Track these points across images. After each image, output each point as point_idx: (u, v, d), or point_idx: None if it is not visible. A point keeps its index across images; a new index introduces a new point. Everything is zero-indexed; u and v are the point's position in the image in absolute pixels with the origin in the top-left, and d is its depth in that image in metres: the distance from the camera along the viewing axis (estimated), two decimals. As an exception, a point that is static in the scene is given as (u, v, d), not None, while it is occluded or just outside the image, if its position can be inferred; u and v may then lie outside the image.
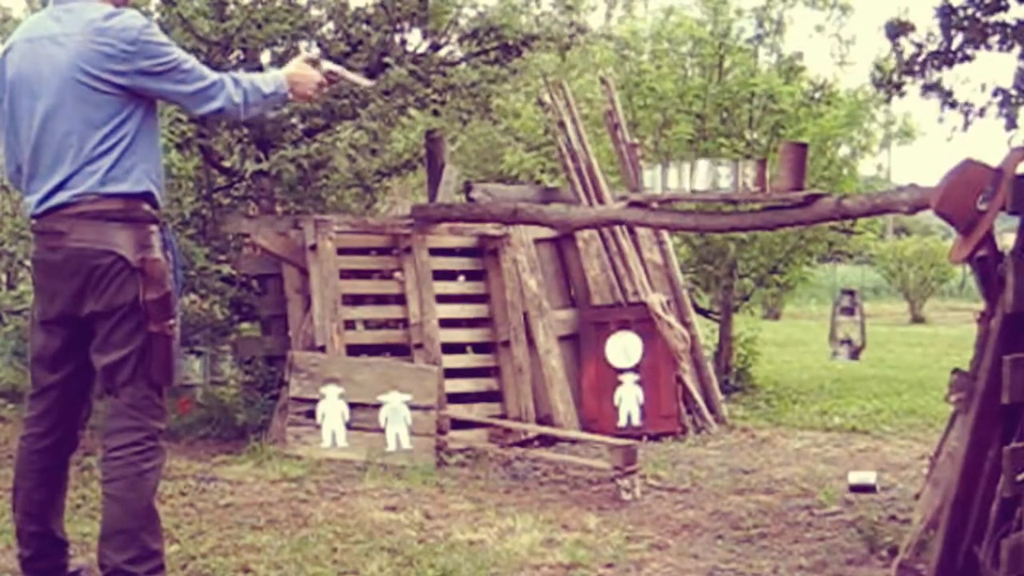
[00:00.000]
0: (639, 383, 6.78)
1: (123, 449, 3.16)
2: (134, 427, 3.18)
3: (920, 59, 6.88)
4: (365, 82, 4.02)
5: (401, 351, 6.45)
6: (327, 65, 3.59)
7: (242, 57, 6.75)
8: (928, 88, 6.99)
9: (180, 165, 6.17)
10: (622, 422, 6.74)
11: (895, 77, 7.16)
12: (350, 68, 6.79)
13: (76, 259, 3.17)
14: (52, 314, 3.28)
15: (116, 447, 3.17)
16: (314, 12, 6.87)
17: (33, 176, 3.25)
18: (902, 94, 7.28)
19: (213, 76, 3.31)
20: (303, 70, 3.52)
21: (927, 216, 4.64)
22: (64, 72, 3.16)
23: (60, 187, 3.18)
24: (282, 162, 6.47)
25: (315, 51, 3.66)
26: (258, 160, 6.72)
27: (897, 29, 6.97)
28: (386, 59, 6.68)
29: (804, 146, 4.91)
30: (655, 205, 5.28)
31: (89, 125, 3.17)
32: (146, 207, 3.26)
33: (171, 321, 3.21)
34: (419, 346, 6.41)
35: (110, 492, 3.17)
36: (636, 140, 7.84)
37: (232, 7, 6.59)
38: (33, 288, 3.49)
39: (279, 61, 6.92)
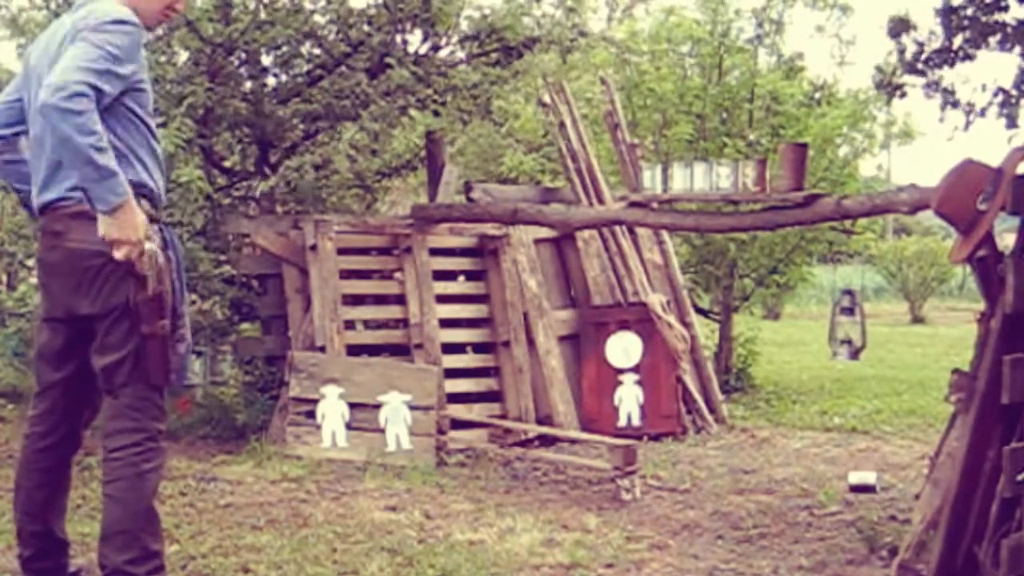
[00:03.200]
0: (639, 383, 6.78)
1: (123, 450, 3.16)
2: (133, 428, 3.17)
3: (922, 57, 6.89)
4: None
5: (401, 351, 6.45)
6: (149, 246, 3.08)
7: (244, 59, 6.76)
8: (930, 87, 7.00)
9: (192, 171, 6.18)
10: (622, 422, 6.74)
11: (895, 78, 7.17)
12: (351, 68, 6.83)
13: (71, 260, 3.17)
14: (54, 312, 3.29)
15: (116, 448, 3.17)
16: (317, 18, 6.88)
17: (34, 172, 3.26)
18: (903, 95, 7.29)
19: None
20: (134, 216, 3.03)
21: (927, 216, 4.64)
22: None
23: (52, 183, 3.19)
24: (288, 172, 6.48)
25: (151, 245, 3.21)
26: (264, 176, 6.74)
27: (899, 27, 6.99)
28: (387, 59, 6.69)
29: (804, 146, 4.92)
30: (655, 205, 5.28)
31: None
32: (144, 206, 3.21)
33: (163, 322, 3.15)
34: (419, 346, 6.41)
35: (110, 493, 3.17)
36: (636, 140, 7.84)
37: (236, 10, 6.60)
38: (38, 285, 3.49)
39: (282, 64, 6.94)
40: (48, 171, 3.19)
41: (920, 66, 6.90)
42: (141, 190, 3.21)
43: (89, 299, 3.16)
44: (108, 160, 2.93)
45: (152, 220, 3.24)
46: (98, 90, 2.96)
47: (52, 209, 3.21)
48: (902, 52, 6.99)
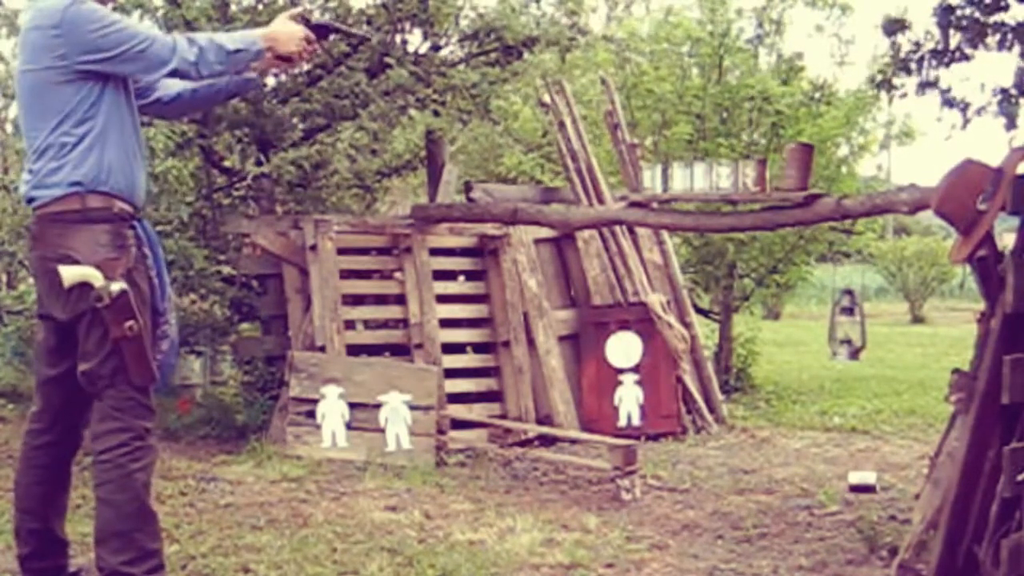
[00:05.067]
0: (639, 383, 6.78)
1: (110, 452, 3.15)
2: (119, 428, 3.16)
3: (917, 56, 6.88)
4: (362, 34, 3.92)
5: (401, 351, 6.46)
6: (317, 19, 3.49)
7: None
8: (924, 86, 6.98)
9: (180, 166, 6.17)
10: (622, 422, 6.74)
11: (890, 76, 7.15)
12: (350, 68, 6.82)
13: (43, 265, 3.18)
14: (43, 312, 3.31)
15: (103, 450, 3.16)
16: (316, 16, 6.87)
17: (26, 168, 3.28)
18: (902, 95, 7.27)
19: (158, 33, 3.22)
20: (286, 27, 3.36)
21: (927, 216, 4.64)
22: (21, 68, 3.19)
23: (28, 185, 3.21)
24: (283, 164, 6.47)
25: (301, 8, 3.58)
26: (259, 163, 6.73)
27: (894, 26, 6.98)
28: (387, 59, 6.69)
29: (810, 147, 4.91)
30: (655, 205, 5.28)
31: (38, 121, 3.15)
32: (117, 204, 3.19)
33: (129, 323, 3.11)
34: (419, 346, 6.41)
35: (101, 495, 3.17)
36: (636, 140, 7.84)
37: (235, 8, 6.59)
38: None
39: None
40: (27, 174, 3.20)
41: (914, 65, 6.87)
42: (107, 195, 3.17)
43: (60, 305, 3.17)
44: (215, 54, 3.17)
45: (117, 219, 3.19)
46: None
47: (32, 207, 3.23)
48: (896, 51, 6.97)
